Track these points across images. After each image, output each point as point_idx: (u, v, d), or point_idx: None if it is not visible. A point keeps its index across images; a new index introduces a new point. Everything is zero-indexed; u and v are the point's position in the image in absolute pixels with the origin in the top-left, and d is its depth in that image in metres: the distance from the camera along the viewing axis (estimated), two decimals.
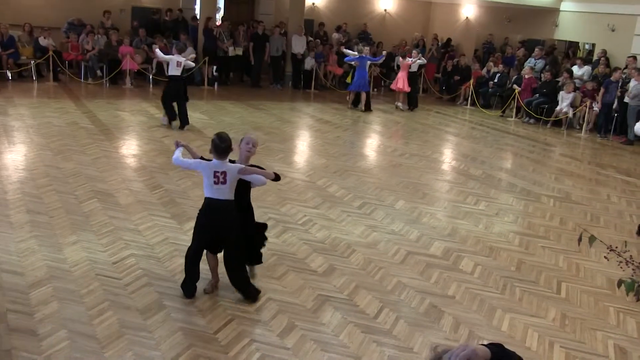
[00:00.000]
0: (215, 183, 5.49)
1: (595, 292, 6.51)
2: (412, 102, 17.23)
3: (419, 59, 17.27)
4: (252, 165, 5.69)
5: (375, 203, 8.84)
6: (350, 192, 9.23)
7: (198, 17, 19.13)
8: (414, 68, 17.21)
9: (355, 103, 16.51)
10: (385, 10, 23.05)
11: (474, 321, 5.72)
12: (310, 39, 19.68)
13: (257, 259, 6.13)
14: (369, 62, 16.62)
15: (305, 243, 7.20)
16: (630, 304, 6.11)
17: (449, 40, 22.30)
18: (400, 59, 18.15)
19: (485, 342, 2.18)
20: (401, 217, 8.33)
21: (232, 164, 5.55)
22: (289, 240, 7.25)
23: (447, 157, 12.36)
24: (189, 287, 5.73)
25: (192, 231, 5.80)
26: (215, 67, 18.50)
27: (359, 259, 6.89)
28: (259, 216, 7.90)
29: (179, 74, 12.22)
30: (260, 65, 18.82)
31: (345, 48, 17.95)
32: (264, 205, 8.31)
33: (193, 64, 13.42)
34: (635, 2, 16.73)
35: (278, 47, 18.72)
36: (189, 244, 5.77)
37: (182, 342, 4.98)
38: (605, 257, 3.47)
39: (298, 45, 18.89)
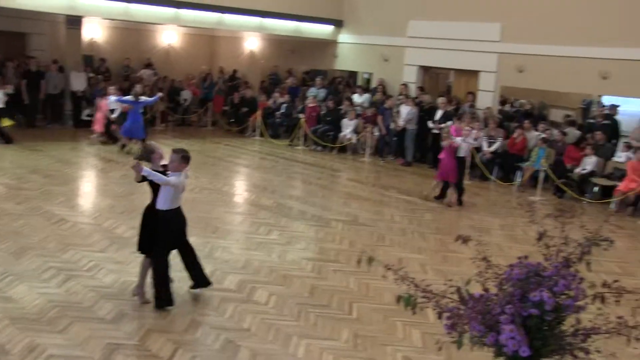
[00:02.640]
0: (181, 192, 6.58)
1: (384, 309, 6.76)
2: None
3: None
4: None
5: None
6: None
7: None
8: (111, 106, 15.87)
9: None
10: (169, 44, 22.82)
11: (270, 351, 5.70)
12: (92, 75, 18.94)
13: None
14: (143, 105, 15.23)
15: (92, 290, 6.79)
16: (414, 316, 6.40)
17: (235, 72, 22.54)
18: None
19: None
20: None
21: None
22: (73, 289, 6.79)
23: (239, 189, 12.39)
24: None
25: (161, 245, 6.49)
26: None
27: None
28: (37, 266, 7.39)
29: None
30: (36, 104, 17.72)
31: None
32: (43, 253, 7.76)
33: None
34: (403, 34, 18.03)
35: (56, 85, 17.78)
36: None
37: None
38: (383, 276, 3.57)
39: (77, 82, 18.06)
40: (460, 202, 11.92)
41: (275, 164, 15.04)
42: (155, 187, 6.59)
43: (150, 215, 6.67)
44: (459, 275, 7.68)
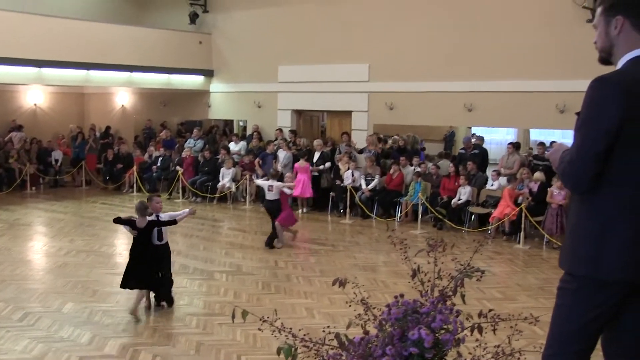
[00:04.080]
0: None
1: (273, 359, 6.60)
2: None
3: None
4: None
5: (39, 311, 8.08)
6: (9, 304, 8.34)
7: None
8: None
9: None
10: (35, 104, 21.97)
11: None
12: None
13: None
14: None
15: None
16: None
17: (107, 128, 21.95)
18: None
19: None
20: (70, 321, 7.71)
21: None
22: None
23: (118, 249, 11.94)
24: None
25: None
26: None
27: None
28: None
29: None
30: None
31: None
32: None
33: None
34: (274, 80, 18.23)
35: None
36: None
37: None
38: (259, 329, 3.45)
39: None
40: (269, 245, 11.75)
41: None
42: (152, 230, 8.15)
43: (147, 253, 8.11)
44: (347, 316, 7.67)
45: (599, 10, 3.06)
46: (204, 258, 10.95)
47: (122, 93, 22.28)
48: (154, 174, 18.45)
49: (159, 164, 18.48)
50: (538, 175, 13.11)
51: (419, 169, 14.72)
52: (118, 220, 8.25)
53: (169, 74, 19.24)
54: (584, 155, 2.81)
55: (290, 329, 3.10)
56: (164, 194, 17.74)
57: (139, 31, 18.80)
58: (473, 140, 15.76)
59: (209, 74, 20.03)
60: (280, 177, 12.52)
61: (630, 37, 2.94)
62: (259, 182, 12.96)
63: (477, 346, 3.35)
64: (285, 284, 9.42)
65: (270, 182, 11.87)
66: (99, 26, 17.77)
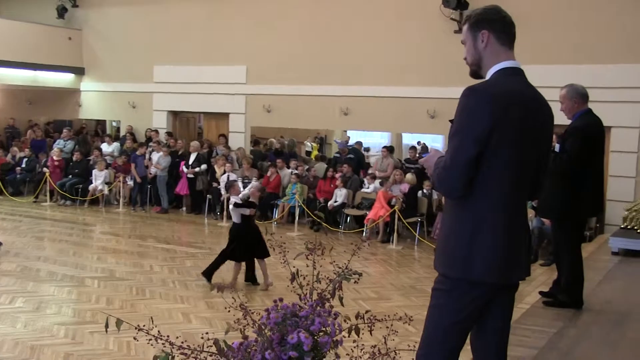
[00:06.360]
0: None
1: None
2: None
3: None
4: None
5: None
6: None
7: None
8: None
9: None
10: None
11: None
12: None
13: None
14: None
15: None
16: None
17: None
18: None
19: None
20: None
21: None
22: None
23: None
24: None
25: None
26: None
27: None
28: None
29: None
30: None
31: None
32: None
33: None
34: (149, 80, 17.80)
35: None
36: None
37: None
38: (134, 338, 3.33)
39: None
40: None
41: (18, 223, 13.87)
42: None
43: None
44: (224, 320, 7.57)
45: (465, 26, 3.18)
46: (74, 264, 10.48)
47: None
48: (18, 176, 17.53)
49: (23, 165, 17.57)
50: (409, 177, 13.52)
51: (296, 172, 14.80)
52: (241, 205, 9.17)
53: (35, 70, 18.34)
54: (457, 161, 2.91)
55: (168, 336, 3.02)
56: (30, 197, 16.90)
57: (0, 23, 17.79)
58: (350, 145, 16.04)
59: (79, 71, 19.28)
60: None
61: (496, 50, 3.09)
62: None
63: (354, 347, 3.39)
64: (161, 288, 9.19)
65: None
66: None
